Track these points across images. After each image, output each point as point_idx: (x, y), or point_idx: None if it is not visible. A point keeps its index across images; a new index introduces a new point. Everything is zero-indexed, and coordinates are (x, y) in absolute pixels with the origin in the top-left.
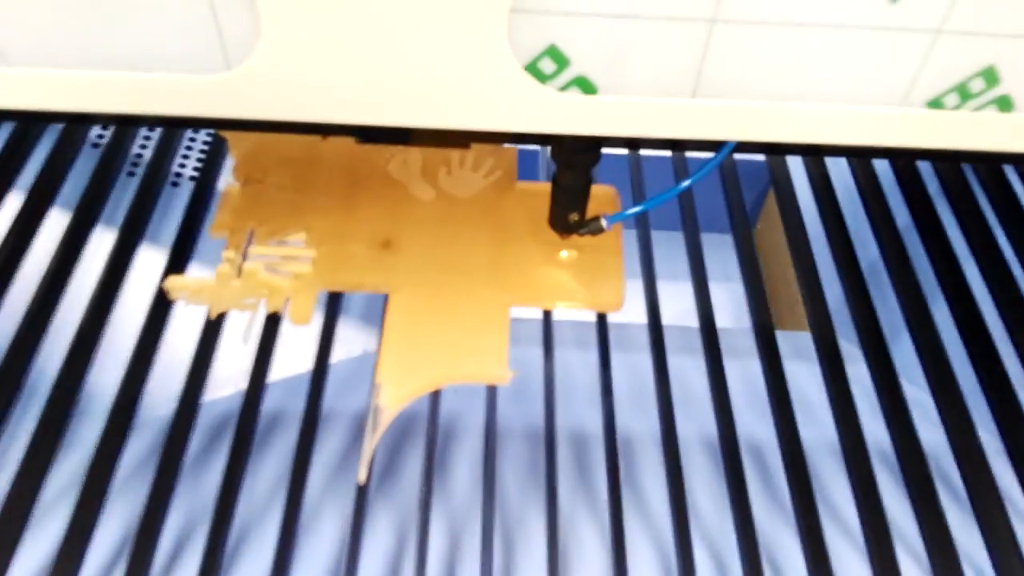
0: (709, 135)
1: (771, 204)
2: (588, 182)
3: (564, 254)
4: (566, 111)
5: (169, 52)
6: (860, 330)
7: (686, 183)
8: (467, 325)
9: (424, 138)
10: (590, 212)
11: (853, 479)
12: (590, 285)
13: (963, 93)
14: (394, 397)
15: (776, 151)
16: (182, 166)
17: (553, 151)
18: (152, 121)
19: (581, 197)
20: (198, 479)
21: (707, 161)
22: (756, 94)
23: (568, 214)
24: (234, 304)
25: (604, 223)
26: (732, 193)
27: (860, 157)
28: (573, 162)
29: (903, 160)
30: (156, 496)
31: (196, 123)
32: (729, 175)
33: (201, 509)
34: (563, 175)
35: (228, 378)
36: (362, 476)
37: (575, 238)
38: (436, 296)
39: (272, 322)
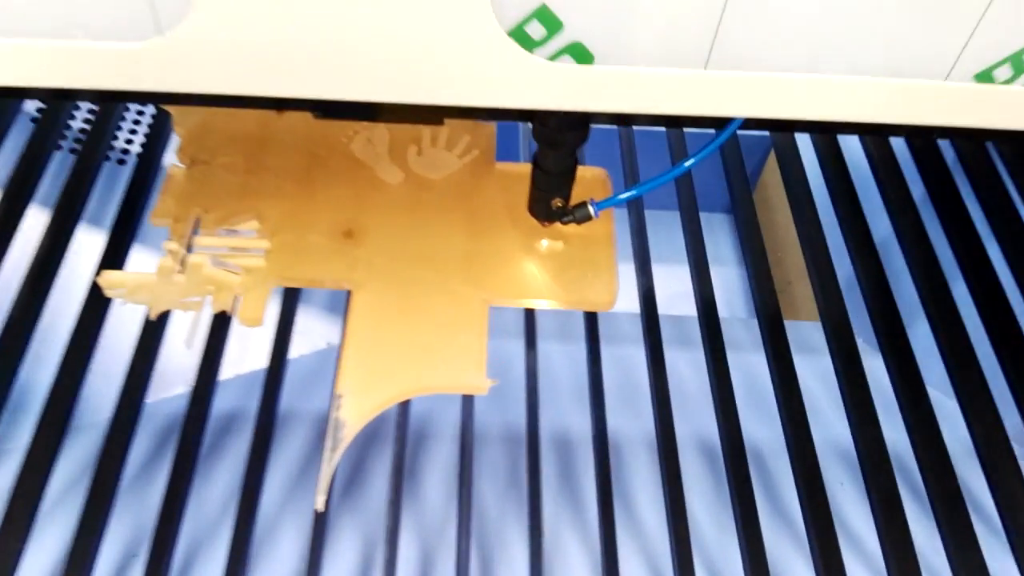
0: (723, 111)
1: (762, 183)
2: (574, 163)
3: (545, 244)
4: (557, 83)
5: (90, 16)
6: (876, 321)
7: (688, 163)
8: (440, 326)
9: (392, 113)
10: (576, 197)
11: (873, 497)
12: (579, 281)
13: (1017, 65)
14: (357, 410)
15: (788, 127)
16: (129, 142)
17: (535, 129)
18: (74, 95)
19: (566, 180)
20: (145, 489)
21: (707, 136)
22: (779, 65)
23: (551, 199)
24: (176, 303)
25: (592, 210)
26: (733, 168)
27: (878, 135)
28: (558, 141)
29: (923, 137)
30: (92, 510)
31: (124, 97)
32: (730, 149)
33: (147, 524)
34: (545, 156)
35: (179, 374)
36: (320, 503)
37: (560, 227)
38: (405, 293)
39: (221, 320)
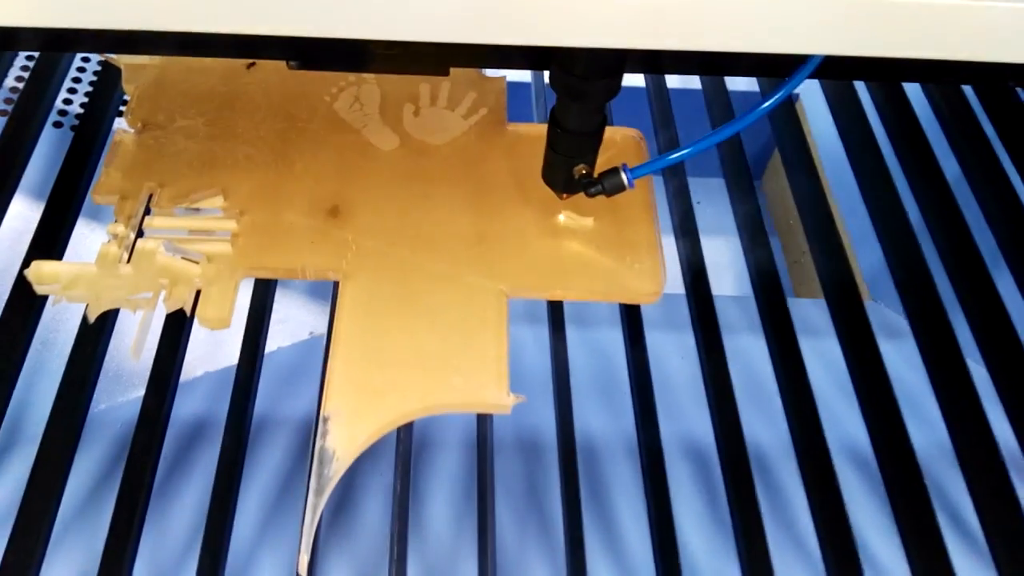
0: (818, 47)
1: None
2: (602, 120)
3: (573, 222)
4: (590, 10)
5: None
6: (969, 313)
7: (764, 106)
8: (449, 327)
9: (384, 62)
10: (602, 165)
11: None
12: (616, 267)
13: None
14: (348, 437)
15: (852, 73)
16: (67, 102)
17: (554, 75)
18: None
19: (592, 141)
20: (102, 512)
21: (744, 95)
22: None
23: (573, 166)
24: (122, 300)
25: (625, 177)
26: (786, 127)
27: (949, 82)
28: (584, 91)
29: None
30: (17, 545)
31: (55, 43)
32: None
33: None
34: (567, 111)
35: (138, 373)
36: (303, 566)
37: (586, 200)
38: (404, 285)
39: (178, 319)
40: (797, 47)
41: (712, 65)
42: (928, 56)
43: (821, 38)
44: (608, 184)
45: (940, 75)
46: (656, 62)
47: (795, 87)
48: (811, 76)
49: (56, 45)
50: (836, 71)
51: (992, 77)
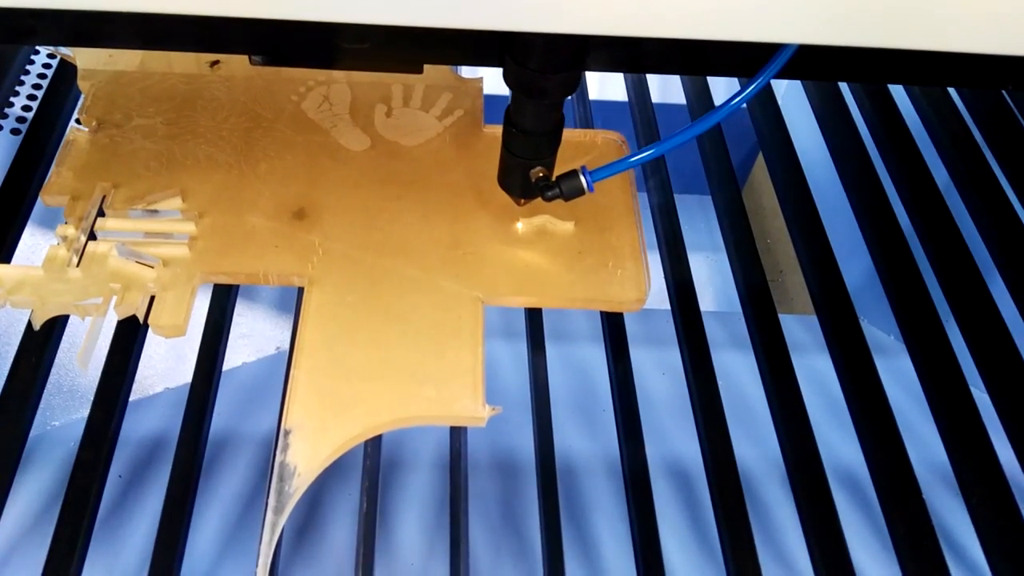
0: (796, 35)
1: (761, 162)
2: (560, 120)
3: (551, 226)
4: None
5: None
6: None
7: (724, 110)
8: (422, 336)
9: (354, 57)
10: (571, 164)
11: None
12: (598, 273)
13: None
14: (311, 452)
15: (837, 74)
16: (9, 103)
17: (508, 70)
18: None
19: (549, 142)
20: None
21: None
22: None
23: (530, 168)
24: (70, 306)
25: (584, 181)
26: (772, 135)
27: (937, 84)
28: (540, 87)
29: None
30: None
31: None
32: (766, 106)
33: None
34: (522, 108)
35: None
36: None
37: (570, 206)
38: (374, 291)
39: (131, 326)
40: (771, 35)
41: (690, 64)
42: (920, 47)
43: (799, 26)
44: (566, 187)
45: (930, 76)
46: (632, 60)
47: (768, 78)
48: (794, 76)
49: (10, 36)
50: (818, 69)
51: (988, 78)
